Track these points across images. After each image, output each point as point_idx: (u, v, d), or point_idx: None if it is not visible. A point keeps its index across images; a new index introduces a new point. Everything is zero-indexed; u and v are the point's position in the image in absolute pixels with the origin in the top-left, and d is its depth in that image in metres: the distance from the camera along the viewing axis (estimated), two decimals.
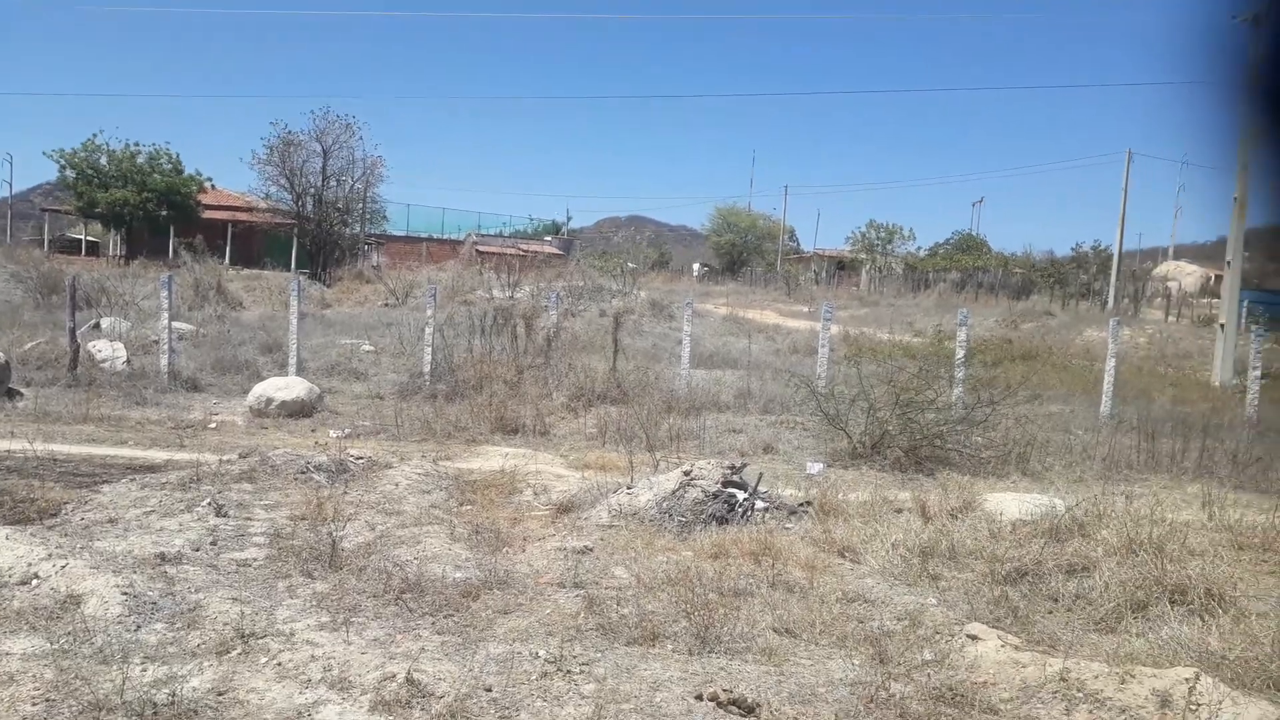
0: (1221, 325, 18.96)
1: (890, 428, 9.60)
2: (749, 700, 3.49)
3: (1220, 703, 3.50)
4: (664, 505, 6.64)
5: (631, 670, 3.85)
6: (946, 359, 12.99)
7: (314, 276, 34.67)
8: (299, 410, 11.20)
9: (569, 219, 68.54)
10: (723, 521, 6.46)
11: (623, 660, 3.97)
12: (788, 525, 6.53)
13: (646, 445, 8.77)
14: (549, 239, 58.55)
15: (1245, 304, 23.77)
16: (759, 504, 6.83)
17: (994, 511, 6.63)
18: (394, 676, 3.68)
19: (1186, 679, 3.64)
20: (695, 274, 58.25)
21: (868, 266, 57.29)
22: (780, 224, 69.70)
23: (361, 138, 40.21)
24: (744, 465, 7.35)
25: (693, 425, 10.83)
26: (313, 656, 3.91)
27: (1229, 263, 19.29)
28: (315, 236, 39.46)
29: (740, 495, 6.79)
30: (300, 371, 12.97)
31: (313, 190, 39.57)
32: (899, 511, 6.91)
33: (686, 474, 6.92)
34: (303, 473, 7.47)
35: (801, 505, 6.96)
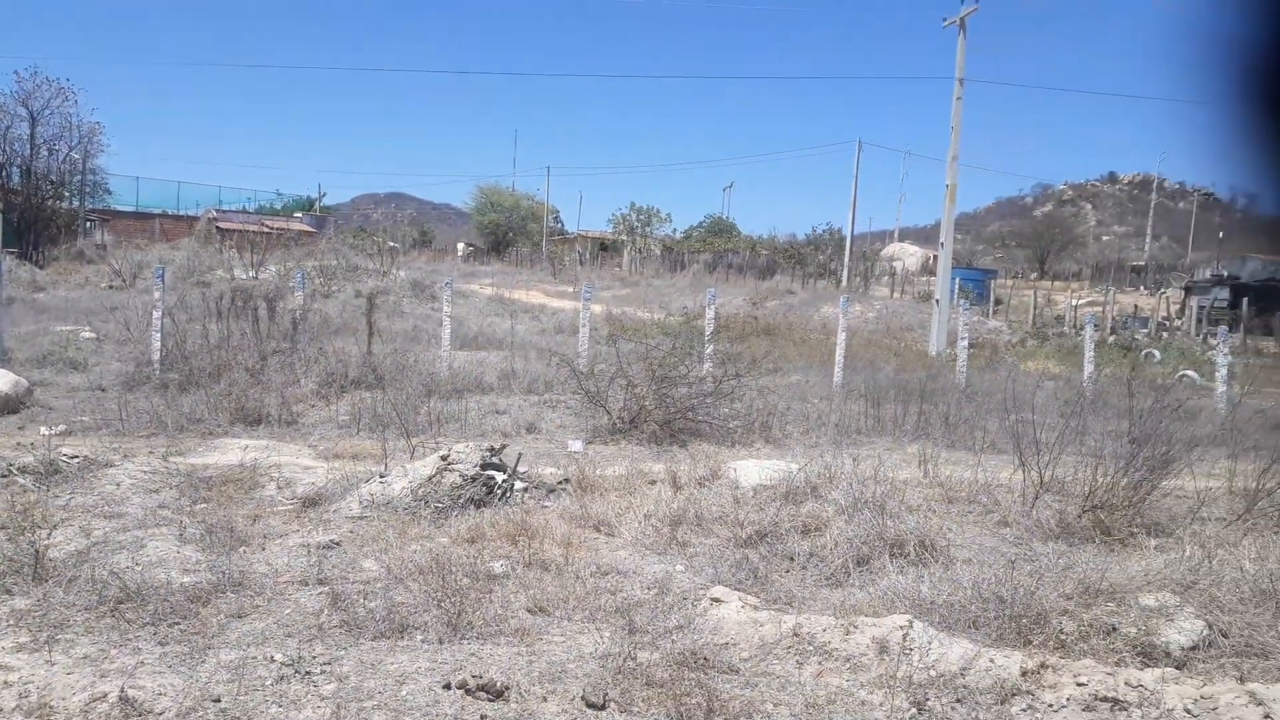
0: (937, 301, 21.12)
1: (647, 403, 9.89)
2: (498, 684, 3.46)
3: (929, 644, 3.89)
4: (420, 492, 6.45)
5: (377, 665, 3.71)
6: (699, 336, 13.56)
7: (24, 256, 30.66)
8: (2, 406, 9.87)
9: (322, 194, 64.90)
10: (481, 505, 6.38)
11: (368, 656, 3.81)
12: (547, 504, 6.56)
13: (403, 431, 8.49)
14: (300, 215, 55.17)
15: (957, 281, 26.60)
16: (519, 484, 6.80)
17: (737, 478, 7.00)
18: (105, 696, 3.32)
19: (901, 626, 4.01)
20: (460, 254, 57.22)
21: (629, 248, 58.70)
22: (544, 204, 69.81)
23: (77, 103, 36.07)
24: (504, 446, 7.30)
25: (455, 408, 10.62)
26: (6, 683, 3.45)
27: (942, 244, 21.49)
28: (24, 212, 34.91)
29: (500, 477, 6.73)
30: (5, 363, 11.43)
31: (19, 160, 35.00)
32: (653, 483, 7.13)
33: (444, 458, 6.76)
34: (3, 476, 6.60)
35: (561, 483, 7.02)
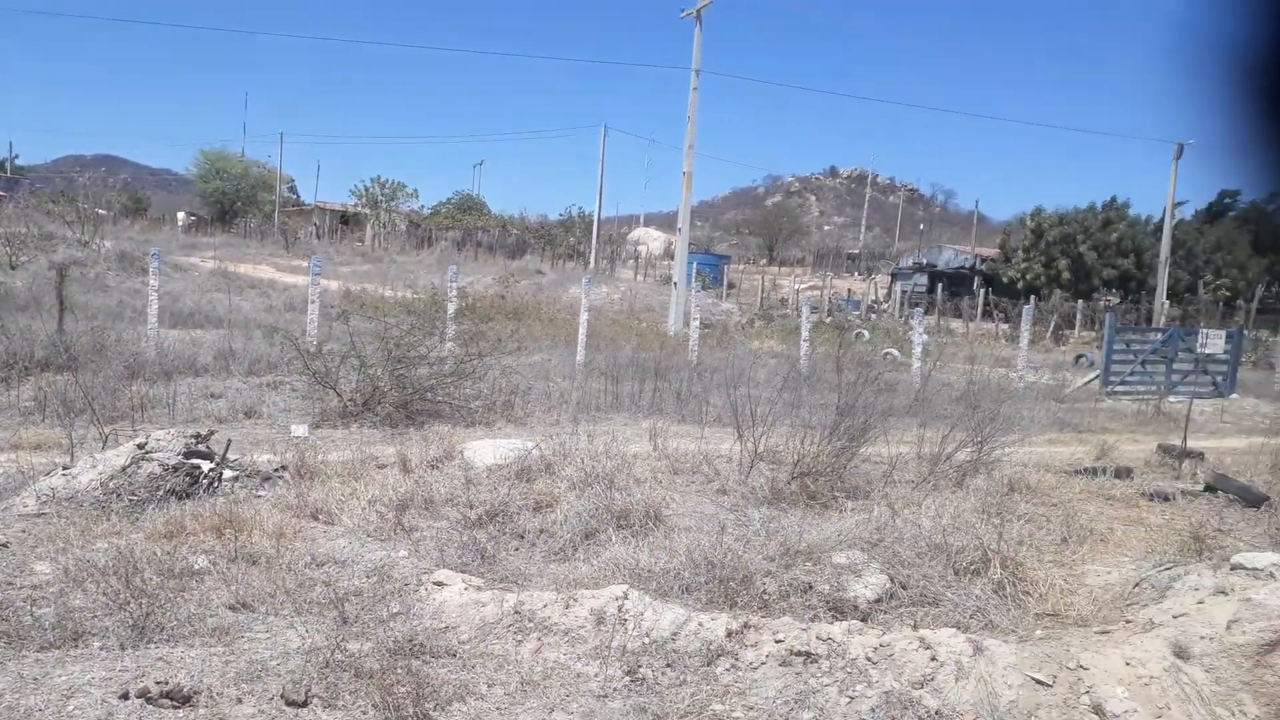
0: (675, 284, 22.00)
1: (382, 384, 9.51)
2: (186, 689, 3.16)
3: (644, 612, 4.01)
4: (111, 485, 5.79)
5: (41, 680, 3.27)
6: (443, 314, 13.25)
7: None
8: None
9: (14, 155, 56.72)
10: (184, 496, 5.83)
11: (30, 670, 3.35)
12: (260, 493, 6.12)
13: (95, 418, 7.59)
14: None
15: (694, 266, 27.86)
16: (228, 473, 6.30)
17: (472, 459, 6.89)
18: None
19: (618, 596, 4.11)
20: (181, 224, 52.16)
21: (373, 222, 56.25)
22: (276, 173, 65.21)
23: None
24: (211, 433, 6.73)
25: (162, 392, 9.66)
26: None
27: (680, 230, 22.38)
28: None
29: (206, 466, 6.19)
30: None
31: None
32: (382, 467, 6.86)
33: (141, 447, 6.11)
34: None
35: (278, 470, 6.57)
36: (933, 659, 3.66)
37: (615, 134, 73.06)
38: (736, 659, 3.65)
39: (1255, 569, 4.20)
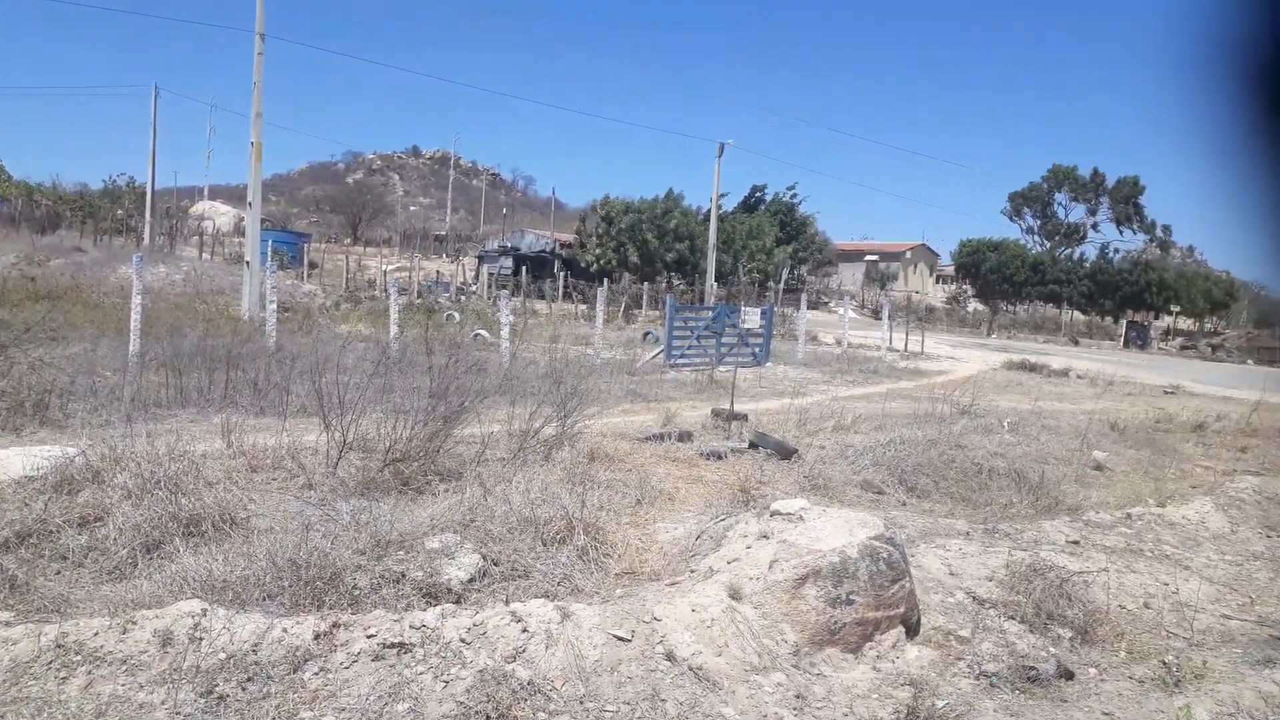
0: (248, 263, 20.31)
1: None
2: None
3: (219, 627, 3.65)
4: None
5: None
6: None
7: None
8: None
9: None
10: None
11: None
12: None
13: None
14: None
15: (269, 244, 25.95)
16: None
17: None
18: None
19: (189, 612, 3.70)
20: None
21: None
22: None
23: None
24: None
25: None
26: None
27: (250, 204, 20.69)
28: None
29: None
30: None
31: None
32: None
33: None
34: None
35: None
36: (524, 631, 3.80)
37: (172, 97, 65.34)
38: (326, 661, 3.47)
39: (789, 514, 4.93)
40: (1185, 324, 63.11)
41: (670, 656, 3.71)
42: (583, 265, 42.45)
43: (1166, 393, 20.24)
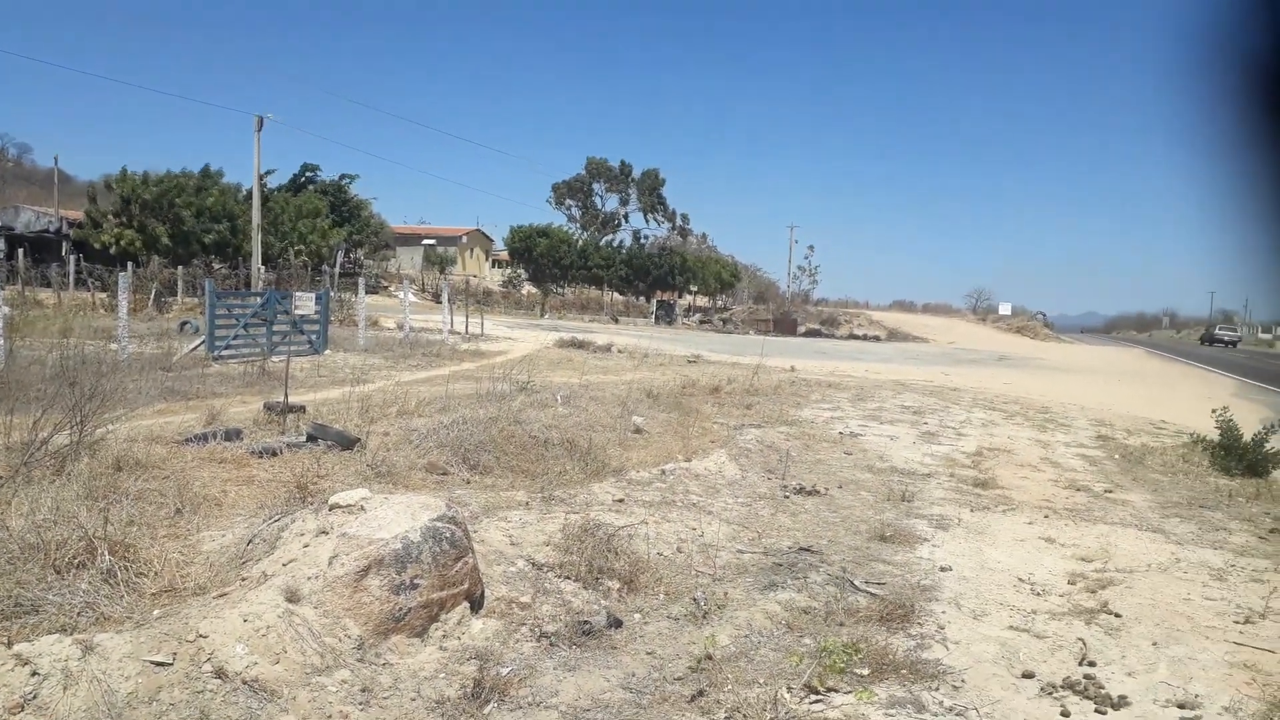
0: None
1: None
2: None
3: None
4: None
5: None
6: None
7: None
8: None
9: None
10: None
11: None
12: None
13: None
14: None
15: None
16: None
17: None
18: None
19: None
20: None
21: None
22: None
23: None
24: None
25: None
26: None
27: None
28: None
29: None
30: None
31: None
32: None
33: None
34: None
35: None
36: (34, 674, 3.25)
37: None
38: None
39: (349, 505, 4.78)
40: (702, 301, 72.81)
41: (220, 673, 3.41)
42: (97, 247, 36.92)
43: (690, 362, 23.15)
